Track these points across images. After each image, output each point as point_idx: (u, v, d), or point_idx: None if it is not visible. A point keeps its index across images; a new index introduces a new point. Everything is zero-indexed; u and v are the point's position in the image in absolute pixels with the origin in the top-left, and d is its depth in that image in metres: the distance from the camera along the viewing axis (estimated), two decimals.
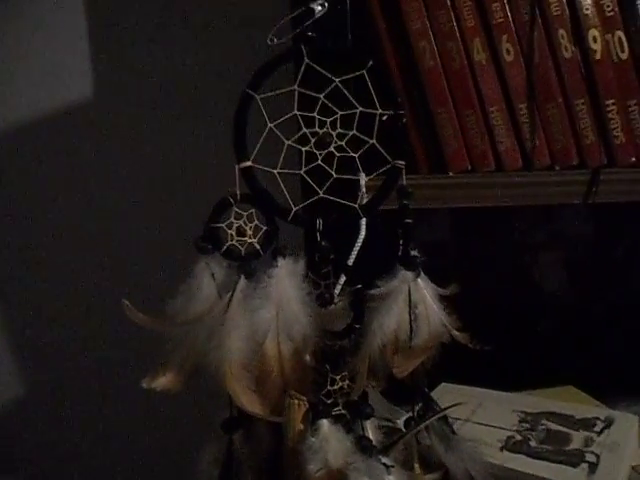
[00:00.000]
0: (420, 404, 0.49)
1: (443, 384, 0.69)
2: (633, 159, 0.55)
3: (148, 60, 0.80)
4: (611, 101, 0.54)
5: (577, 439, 0.58)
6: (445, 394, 0.66)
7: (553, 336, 0.80)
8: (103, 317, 0.81)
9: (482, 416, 0.63)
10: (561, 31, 0.54)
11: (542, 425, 0.61)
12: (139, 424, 0.86)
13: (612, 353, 0.79)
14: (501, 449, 0.57)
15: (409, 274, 0.44)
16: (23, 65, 0.80)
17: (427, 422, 0.47)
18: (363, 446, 0.43)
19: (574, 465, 0.54)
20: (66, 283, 0.84)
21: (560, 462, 0.55)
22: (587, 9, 0.54)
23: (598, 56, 0.54)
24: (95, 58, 0.80)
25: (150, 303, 0.43)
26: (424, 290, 0.45)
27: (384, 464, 0.43)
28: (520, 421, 0.62)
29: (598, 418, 0.61)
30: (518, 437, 0.59)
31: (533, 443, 0.58)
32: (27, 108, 0.81)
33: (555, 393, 0.71)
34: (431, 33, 0.54)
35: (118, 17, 0.79)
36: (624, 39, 0.54)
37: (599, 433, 0.59)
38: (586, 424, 0.61)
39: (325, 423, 0.42)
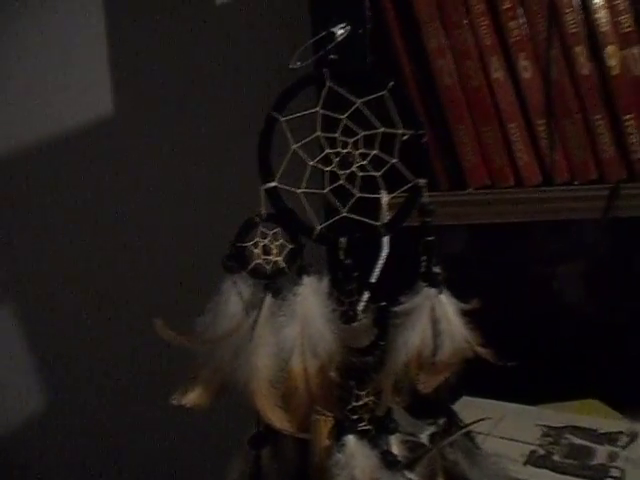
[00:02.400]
0: (444, 419, 0.49)
1: (464, 397, 0.69)
2: None
3: (172, 78, 0.82)
4: (629, 116, 0.55)
5: (601, 453, 0.58)
6: (466, 408, 0.65)
7: (575, 349, 0.80)
8: (132, 336, 0.82)
9: (504, 430, 0.63)
10: (578, 48, 0.54)
11: (565, 439, 0.61)
12: (166, 441, 0.87)
13: (635, 366, 0.78)
14: (524, 464, 0.57)
15: (432, 290, 0.45)
16: (42, 79, 0.82)
17: (452, 438, 0.47)
18: (389, 461, 0.44)
19: None
20: (94, 298, 0.85)
21: (584, 477, 0.54)
22: (604, 26, 0.54)
23: (615, 72, 0.55)
24: (115, 75, 0.82)
25: (179, 321, 0.44)
26: (447, 306, 0.46)
27: (410, 479, 0.44)
28: (543, 435, 0.62)
29: (622, 432, 0.61)
30: (541, 451, 0.59)
31: (557, 457, 0.58)
32: (46, 123, 0.83)
33: (578, 407, 0.71)
34: (449, 52, 0.55)
35: (137, 33, 0.81)
36: None
37: (624, 447, 0.59)
38: (610, 438, 0.60)
39: (351, 439, 0.43)
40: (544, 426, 0.64)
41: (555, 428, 0.63)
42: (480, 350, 0.45)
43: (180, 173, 0.83)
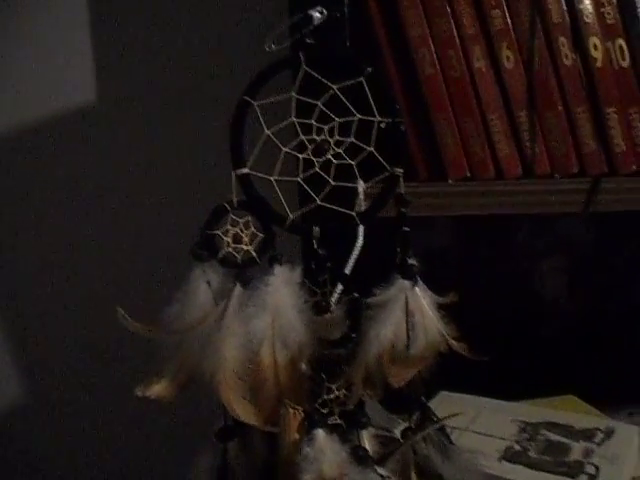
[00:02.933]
0: (417, 413, 0.48)
1: (441, 392, 0.68)
2: (634, 167, 0.54)
3: (145, 66, 0.80)
4: (612, 109, 0.54)
5: (577, 450, 0.57)
6: (443, 402, 0.65)
7: (553, 345, 0.80)
8: (98, 324, 0.80)
9: (480, 425, 0.63)
10: (561, 39, 0.53)
11: (542, 435, 0.60)
12: (133, 433, 0.85)
13: (614, 362, 0.78)
14: (499, 459, 0.57)
15: (406, 282, 0.44)
16: (25, 67, 0.80)
17: (424, 432, 0.46)
18: (359, 456, 0.43)
19: (573, 476, 0.53)
20: (63, 288, 0.84)
21: (559, 473, 0.54)
22: (588, 17, 0.53)
23: (599, 64, 0.54)
24: (98, 64, 0.80)
25: (146, 310, 0.43)
26: (422, 299, 0.45)
27: (380, 475, 0.43)
28: (519, 431, 0.62)
29: (598, 429, 0.61)
30: (517, 447, 0.59)
31: (532, 454, 0.57)
32: (29, 111, 0.81)
33: (556, 403, 0.70)
34: (431, 40, 0.54)
35: (121, 20, 0.79)
36: (625, 47, 0.54)
37: (599, 444, 0.58)
38: (586, 435, 0.60)
39: (321, 433, 0.42)
40: (521, 422, 0.63)
41: (532, 424, 0.62)
42: (455, 344, 0.44)
43: (150, 158, 0.81)
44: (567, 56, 0.54)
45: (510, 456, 0.57)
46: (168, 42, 0.79)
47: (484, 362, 0.69)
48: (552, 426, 0.62)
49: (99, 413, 0.85)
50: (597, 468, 0.54)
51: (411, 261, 0.45)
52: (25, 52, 0.80)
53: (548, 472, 0.54)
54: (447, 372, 0.49)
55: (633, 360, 0.77)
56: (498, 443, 0.59)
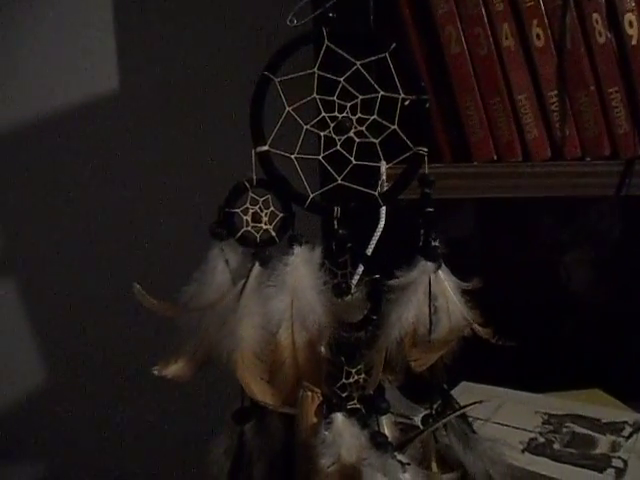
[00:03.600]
0: (439, 401, 0.47)
1: (463, 383, 0.67)
2: None
3: (169, 46, 0.80)
4: None
5: (603, 443, 0.56)
6: (465, 393, 0.64)
7: (579, 337, 0.78)
8: (117, 304, 0.81)
9: (503, 416, 0.61)
10: (595, 15, 0.51)
11: (566, 427, 0.59)
12: (151, 413, 0.86)
13: None
14: (523, 451, 0.55)
15: (430, 265, 0.43)
16: (48, 57, 0.81)
17: (446, 419, 0.45)
18: (378, 442, 0.42)
19: (600, 470, 0.52)
20: (82, 270, 0.84)
21: (585, 467, 0.52)
22: None
23: (634, 42, 0.52)
24: (120, 49, 0.80)
25: (165, 289, 0.42)
26: (445, 282, 0.44)
27: (400, 461, 0.42)
28: (543, 423, 0.60)
29: (626, 422, 0.59)
30: (541, 439, 0.57)
31: (557, 446, 0.56)
32: (52, 100, 0.81)
33: (580, 396, 0.69)
34: (458, 18, 0.53)
35: (142, 7, 0.79)
36: None
37: (627, 438, 0.56)
38: (613, 428, 0.58)
39: (339, 417, 0.41)
40: (545, 414, 0.62)
41: (556, 416, 0.61)
42: (478, 328, 0.43)
43: (171, 137, 0.81)
44: (601, 33, 0.52)
45: (534, 448, 0.56)
46: (187, 21, 0.79)
47: (506, 354, 0.67)
48: (577, 418, 0.60)
49: (116, 395, 0.86)
50: (625, 462, 0.52)
51: (435, 243, 0.43)
52: (45, 45, 0.80)
53: (574, 465, 0.53)
54: (469, 363, 0.48)
55: None
56: (521, 435, 0.58)
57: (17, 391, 0.87)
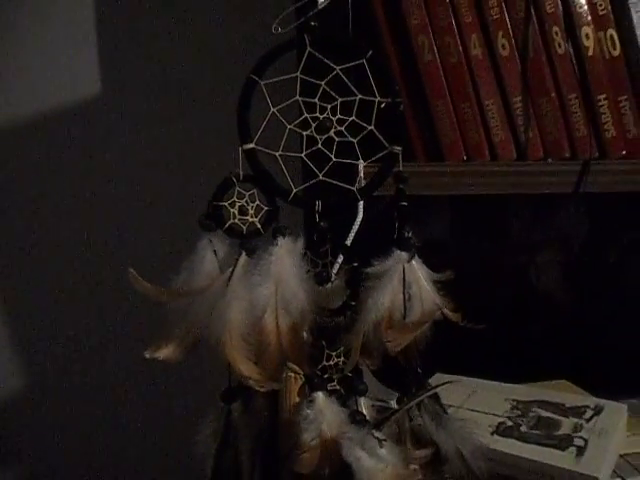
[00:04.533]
0: (412, 383, 0.50)
1: (437, 374, 0.70)
2: (623, 152, 0.57)
3: (155, 45, 0.82)
4: (602, 96, 0.56)
5: (566, 425, 0.59)
6: (438, 383, 0.67)
7: (548, 332, 0.81)
8: (108, 291, 0.83)
9: (475, 403, 0.65)
10: (555, 28, 0.56)
11: (533, 412, 0.63)
12: (140, 398, 0.87)
13: (606, 349, 0.80)
14: (492, 433, 0.59)
15: (404, 254, 0.46)
16: (30, 59, 0.82)
17: (419, 399, 0.48)
18: (357, 420, 0.45)
19: (563, 449, 0.55)
20: (75, 260, 0.86)
21: (549, 446, 0.56)
22: (580, 7, 0.56)
23: (590, 52, 0.56)
24: (102, 49, 0.82)
25: (155, 278, 0.45)
26: (418, 271, 0.47)
27: (377, 438, 0.45)
28: (512, 408, 0.64)
29: (588, 406, 0.63)
30: (509, 423, 0.61)
31: (524, 428, 0.59)
32: (34, 102, 0.83)
33: (548, 386, 0.72)
34: (430, 28, 0.56)
35: (124, 8, 0.82)
36: (616, 37, 0.56)
37: (588, 420, 0.60)
38: (576, 412, 0.62)
39: (320, 395, 0.44)
40: (513, 400, 0.65)
41: (524, 402, 0.65)
42: (449, 313, 0.46)
43: (161, 136, 0.84)
44: (560, 45, 0.56)
45: (502, 431, 0.59)
46: (172, 23, 0.82)
47: (479, 348, 0.71)
48: (543, 404, 0.64)
49: (105, 378, 0.87)
50: (586, 441, 0.56)
51: (408, 235, 0.47)
52: (29, 44, 0.82)
53: (539, 445, 0.56)
54: (442, 357, 0.51)
55: (627, 349, 0.79)
56: (491, 419, 0.61)
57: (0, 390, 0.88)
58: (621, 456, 0.60)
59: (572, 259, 0.83)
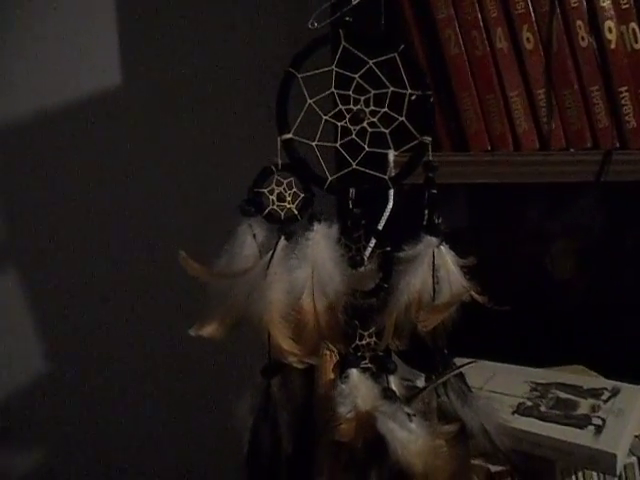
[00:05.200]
0: (440, 363, 0.53)
1: (457, 359, 0.72)
2: None
3: (177, 42, 0.85)
4: (624, 88, 0.58)
5: (584, 406, 0.62)
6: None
7: (566, 319, 0.83)
8: (153, 271, 0.86)
9: (495, 385, 0.67)
10: (578, 22, 0.58)
11: (552, 394, 0.65)
12: (180, 375, 0.90)
13: (621, 336, 0.82)
14: (512, 413, 0.61)
15: (433, 239, 0.48)
16: (51, 51, 0.84)
17: (446, 377, 0.51)
18: (388, 396, 0.48)
19: (581, 427, 0.58)
20: (115, 243, 0.89)
21: (568, 425, 0.58)
22: (604, 1, 0.57)
23: (613, 46, 0.58)
24: (125, 40, 0.84)
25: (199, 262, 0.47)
26: (446, 256, 0.49)
27: (407, 412, 0.47)
28: (531, 390, 0.66)
29: (605, 388, 0.65)
30: (529, 403, 0.63)
31: (543, 408, 0.62)
32: (54, 94, 0.85)
33: (565, 370, 0.75)
34: (456, 22, 0.58)
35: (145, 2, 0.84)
36: (638, 30, 0.58)
37: (605, 401, 0.62)
38: (593, 393, 0.64)
39: (354, 372, 0.47)
40: (532, 382, 0.68)
41: (543, 384, 0.67)
42: (476, 295, 0.49)
43: (208, 128, 0.87)
44: (583, 38, 0.58)
45: (522, 410, 0.62)
46: (207, 19, 0.84)
47: (499, 334, 0.73)
48: (561, 386, 0.66)
49: (146, 353, 0.90)
50: (604, 420, 0.58)
51: (438, 221, 0.49)
52: (49, 35, 0.83)
53: (558, 424, 0.59)
54: (461, 344, 0.53)
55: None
56: (511, 400, 0.64)
57: (16, 379, 0.90)
58: (636, 436, 0.62)
59: (590, 247, 0.85)
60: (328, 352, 0.47)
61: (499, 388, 0.66)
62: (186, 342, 0.48)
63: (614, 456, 0.53)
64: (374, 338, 0.49)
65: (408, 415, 0.47)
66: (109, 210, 0.88)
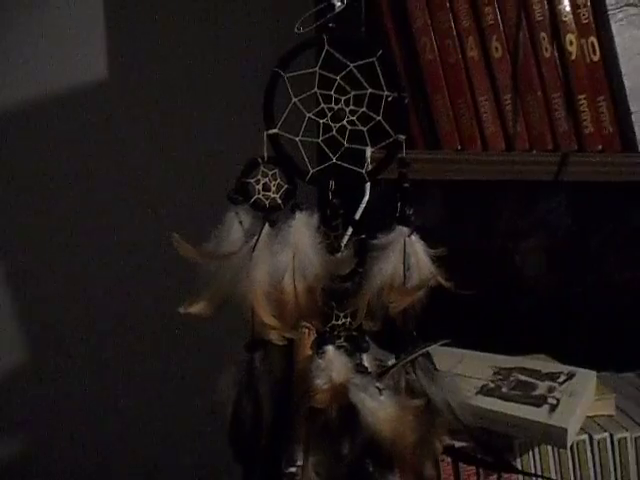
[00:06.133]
0: (408, 344, 0.57)
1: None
2: (600, 147, 0.64)
3: (169, 40, 0.88)
4: (583, 96, 0.63)
5: (542, 387, 0.67)
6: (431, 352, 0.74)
7: (530, 310, 0.89)
8: (144, 253, 0.89)
9: (461, 370, 0.72)
10: (543, 34, 0.63)
11: (513, 377, 0.70)
12: (164, 352, 0.94)
13: (584, 328, 0.87)
14: (476, 394, 0.66)
15: (405, 229, 0.53)
16: (37, 44, 0.86)
17: (415, 355, 0.55)
18: (360, 371, 0.52)
19: (537, 406, 0.63)
20: (107, 233, 0.92)
21: (526, 403, 0.63)
22: (566, 16, 0.63)
23: (573, 57, 0.63)
24: (112, 33, 0.87)
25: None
26: (416, 244, 0.54)
27: (377, 387, 0.52)
28: (494, 374, 0.71)
29: (561, 372, 0.70)
30: (491, 385, 0.68)
31: (504, 389, 0.67)
32: (41, 87, 0.87)
33: (528, 358, 0.80)
34: (432, 31, 0.63)
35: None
36: (596, 44, 0.63)
37: (561, 383, 0.68)
38: (551, 377, 0.70)
39: (330, 348, 0.51)
40: (496, 367, 0.73)
41: (505, 369, 0.72)
42: (443, 281, 0.53)
43: (194, 122, 0.91)
44: (547, 49, 0.63)
45: (485, 391, 0.67)
46: (195, 18, 0.88)
47: (467, 324, 0.77)
48: (522, 370, 0.72)
49: (130, 332, 0.93)
50: (558, 400, 0.64)
51: (409, 212, 0.54)
52: (37, 29, 0.86)
53: (517, 402, 0.64)
54: (431, 334, 0.57)
55: (602, 328, 0.86)
56: (475, 382, 0.69)
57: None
58: (589, 417, 0.67)
59: (556, 245, 0.90)
60: (307, 330, 0.52)
61: (465, 372, 0.71)
62: (174, 323, 0.51)
63: (565, 430, 0.59)
64: (349, 319, 0.54)
65: (378, 389, 0.52)
66: (99, 201, 0.91)
